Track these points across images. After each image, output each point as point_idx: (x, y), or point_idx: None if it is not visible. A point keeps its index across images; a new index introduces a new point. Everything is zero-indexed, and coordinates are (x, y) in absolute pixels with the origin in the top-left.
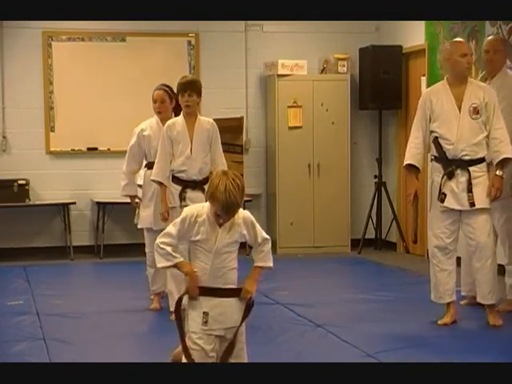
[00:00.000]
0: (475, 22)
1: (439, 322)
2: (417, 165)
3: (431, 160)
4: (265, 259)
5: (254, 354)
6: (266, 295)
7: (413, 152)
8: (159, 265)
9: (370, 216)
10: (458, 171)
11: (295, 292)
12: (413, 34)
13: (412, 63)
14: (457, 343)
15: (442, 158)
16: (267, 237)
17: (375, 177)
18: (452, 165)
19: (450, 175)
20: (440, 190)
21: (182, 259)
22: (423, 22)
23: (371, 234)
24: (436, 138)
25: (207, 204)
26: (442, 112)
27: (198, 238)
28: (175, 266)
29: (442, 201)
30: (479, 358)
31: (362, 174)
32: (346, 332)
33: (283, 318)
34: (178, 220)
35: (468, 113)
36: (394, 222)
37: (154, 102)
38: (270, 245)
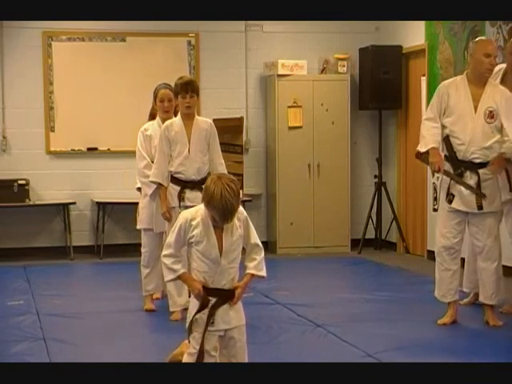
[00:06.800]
0: (475, 21)
1: (439, 322)
2: (436, 146)
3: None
4: (258, 267)
5: (254, 354)
6: (266, 295)
7: (431, 138)
8: (166, 279)
9: (369, 216)
10: (467, 173)
11: (295, 292)
12: (413, 34)
13: (412, 63)
14: (456, 343)
15: (452, 157)
16: (260, 245)
17: (375, 177)
18: (461, 166)
19: (458, 176)
20: (448, 190)
21: (183, 270)
22: (423, 21)
23: (371, 234)
24: (447, 136)
25: (203, 206)
26: (457, 109)
27: (192, 240)
28: (179, 278)
29: (450, 202)
30: (479, 358)
31: (362, 174)
32: (346, 332)
33: (283, 317)
34: (175, 228)
35: (483, 116)
36: (393, 221)
37: (161, 101)
38: (263, 253)
